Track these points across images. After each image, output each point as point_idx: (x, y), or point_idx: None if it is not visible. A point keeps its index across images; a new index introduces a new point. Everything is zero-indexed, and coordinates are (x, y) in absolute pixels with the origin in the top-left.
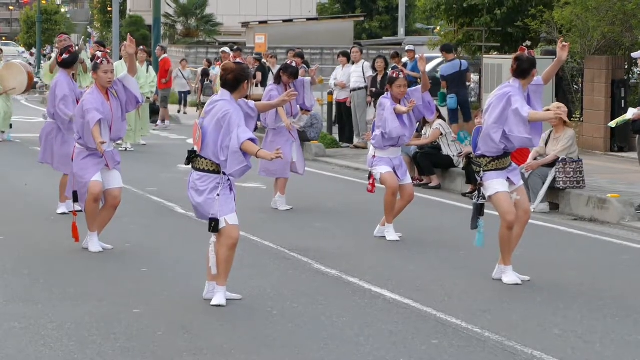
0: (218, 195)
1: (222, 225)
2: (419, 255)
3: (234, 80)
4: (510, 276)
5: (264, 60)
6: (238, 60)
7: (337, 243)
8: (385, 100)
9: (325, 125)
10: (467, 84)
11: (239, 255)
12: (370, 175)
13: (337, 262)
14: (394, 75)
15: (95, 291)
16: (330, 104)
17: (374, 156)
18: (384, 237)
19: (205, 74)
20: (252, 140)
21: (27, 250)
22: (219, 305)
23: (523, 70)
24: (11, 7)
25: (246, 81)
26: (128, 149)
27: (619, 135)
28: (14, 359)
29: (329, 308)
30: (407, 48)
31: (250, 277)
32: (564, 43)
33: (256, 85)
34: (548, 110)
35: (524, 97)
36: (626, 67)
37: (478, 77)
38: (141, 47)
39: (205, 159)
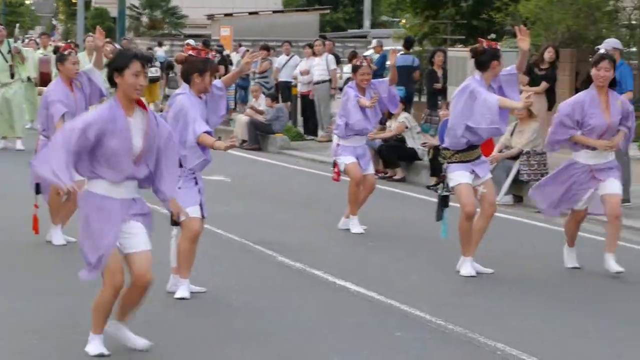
0: (179, 188)
1: (182, 218)
2: (383, 247)
3: (184, 73)
4: (466, 268)
5: (226, 53)
6: (189, 52)
7: (301, 236)
8: (350, 90)
9: (290, 117)
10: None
11: (203, 247)
12: (335, 164)
13: (301, 254)
14: (358, 63)
15: (57, 283)
16: (294, 97)
17: (338, 145)
18: (349, 229)
19: (170, 66)
20: (208, 132)
21: None
22: (183, 298)
23: (480, 62)
24: None
25: (196, 73)
26: None
27: None
28: None
29: (293, 301)
30: (373, 43)
31: (214, 270)
32: (521, 36)
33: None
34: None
35: (494, 88)
36: (590, 59)
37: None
38: (108, 39)
39: None
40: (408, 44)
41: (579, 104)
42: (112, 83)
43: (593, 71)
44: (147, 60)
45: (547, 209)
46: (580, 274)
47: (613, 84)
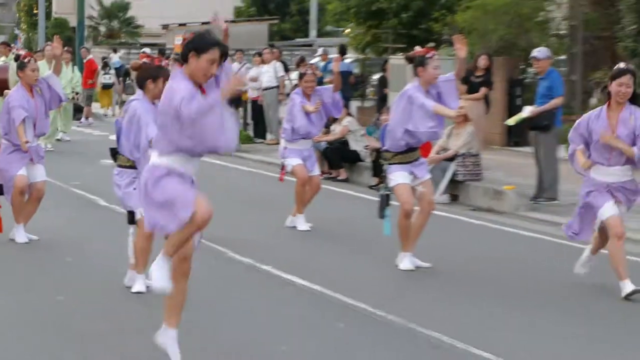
0: (134, 189)
1: (137, 217)
2: (328, 244)
3: (138, 80)
4: (405, 263)
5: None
6: (144, 60)
7: (251, 233)
8: (295, 96)
9: (241, 122)
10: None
11: (157, 244)
12: (282, 168)
13: (250, 251)
14: (303, 71)
15: (20, 280)
16: (244, 102)
17: (285, 147)
18: (295, 227)
19: (127, 73)
20: None
21: None
22: (139, 292)
23: (414, 68)
24: None
25: (150, 80)
26: (48, 149)
27: (515, 131)
28: None
29: (242, 294)
30: (319, 51)
31: None
32: (458, 44)
33: None
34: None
35: (433, 94)
36: (522, 67)
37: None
38: (66, 48)
39: (123, 155)
40: (342, 51)
41: (584, 119)
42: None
43: (613, 86)
44: (226, 52)
45: (582, 234)
46: (516, 267)
47: (633, 99)
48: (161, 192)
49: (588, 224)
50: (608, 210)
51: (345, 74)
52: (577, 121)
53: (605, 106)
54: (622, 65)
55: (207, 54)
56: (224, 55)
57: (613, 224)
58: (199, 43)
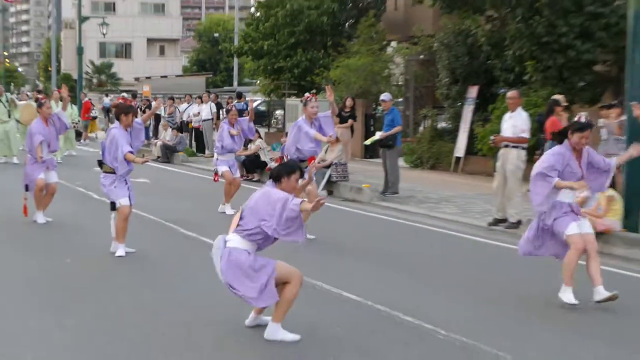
0: (115, 187)
1: (117, 205)
2: None
3: (117, 113)
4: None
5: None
6: (120, 101)
7: (195, 215)
8: (224, 124)
9: (188, 142)
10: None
11: (131, 224)
12: (215, 172)
13: (195, 227)
14: (229, 108)
15: (40, 249)
16: (191, 129)
17: (217, 159)
18: (224, 212)
19: (109, 109)
20: (131, 152)
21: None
22: (120, 256)
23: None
24: None
25: (123, 115)
26: (59, 161)
27: (370, 148)
28: None
29: (188, 258)
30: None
31: (141, 238)
32: (328, 92)
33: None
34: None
35: (316, 125)
36: (374, 106)
37: (283, 112)
38: (69, 92)
39: (106, 164)
40: (239, 96)
41: (560, 156)
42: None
43: (575, 137)
44: (301, 173)
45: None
46: (368, 238)
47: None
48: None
49: (549, 241)
50: (571, 229)
51: (241, 111)
52: (554, 159)
53: (567, 148)
54: (583, 119)
55: (295, 174)
56: (301, 173)
57: (575, 241)
58: (288, 167)
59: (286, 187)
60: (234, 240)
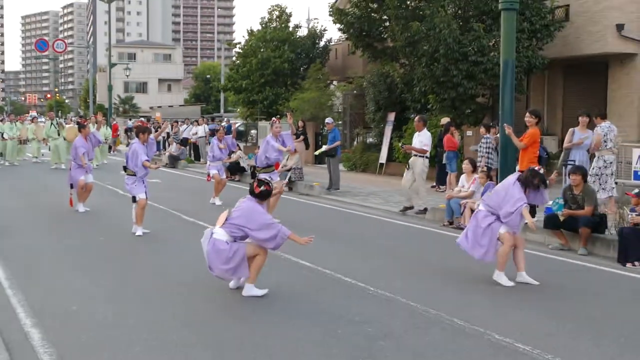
0: (135, 185)
1: (137, 198)
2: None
3: (137, 132)
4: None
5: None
6: (139, 123)
7: (192, 206)
8: (214, 140)
9: (187, 153)
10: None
11: (147, 213)
12: (208, 175)
13: (193, 214)
14: (218, 128)
15: (80, 231)
16: (190, 144)
17: (209, 165)
18: (214, 203)
19: (130, 129)
20: (147, 160)
21: (52, 212)
22: (139, 235)
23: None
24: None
25: (141, 133)
26: (95, 166)
27: (319, 157)
28: None
29: (189, 238)
30: (225, 119)
31: (152, 222)
32: (288, 116)
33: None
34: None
35: (280, 140)
36: (321, 127)
37: (256, 131)
38: (103, 117)
39: (129, 169)
40: (212, 133)
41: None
42: None
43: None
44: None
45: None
46: (319, 222)
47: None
48: None
49: (493, 246)
50: (502, 228)
51: (213, 130)
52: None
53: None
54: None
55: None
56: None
57: (506, 238)
58: (270, 193)
59: (267, 203)
60: (219, 233)
